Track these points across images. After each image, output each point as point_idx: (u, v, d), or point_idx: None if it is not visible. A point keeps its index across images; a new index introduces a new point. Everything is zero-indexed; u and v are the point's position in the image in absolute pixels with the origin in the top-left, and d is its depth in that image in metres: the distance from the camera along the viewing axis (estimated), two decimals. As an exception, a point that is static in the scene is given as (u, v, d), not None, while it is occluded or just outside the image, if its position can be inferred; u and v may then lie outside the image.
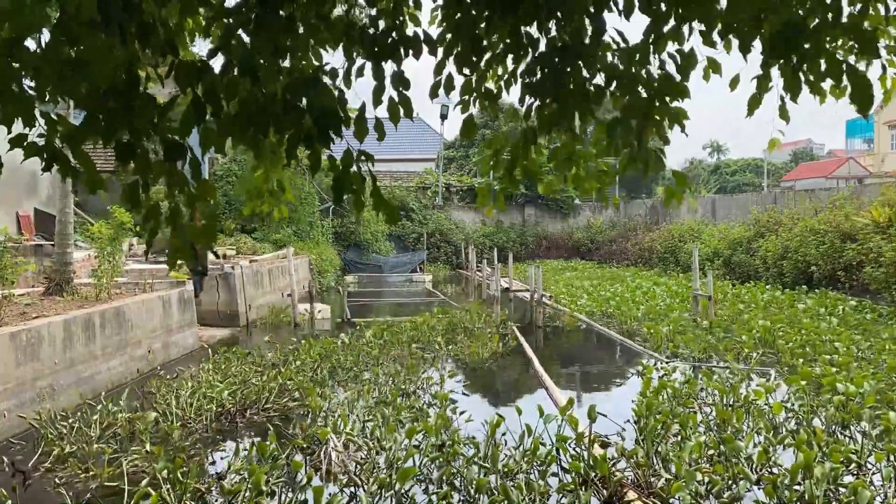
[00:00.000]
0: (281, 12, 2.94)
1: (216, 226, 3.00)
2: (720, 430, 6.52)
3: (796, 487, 4.99)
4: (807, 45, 2.60)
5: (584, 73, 3.19)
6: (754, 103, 3.10)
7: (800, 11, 2.64)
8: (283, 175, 4.00)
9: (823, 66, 2.74)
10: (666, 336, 11.81)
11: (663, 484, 5.24)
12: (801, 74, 2.84)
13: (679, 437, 6.18)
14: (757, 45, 2.89)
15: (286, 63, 3.06)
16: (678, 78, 3.15)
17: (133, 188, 2.76)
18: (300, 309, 15.85)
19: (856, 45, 2.68)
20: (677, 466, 5.19)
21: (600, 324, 14.15)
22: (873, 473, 5.51)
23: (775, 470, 5.52)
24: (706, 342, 11.14)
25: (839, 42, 2.75)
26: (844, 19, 2.75)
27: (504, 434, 6.17)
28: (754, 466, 5.54)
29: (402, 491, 5.19)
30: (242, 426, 7.43)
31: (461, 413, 7.23)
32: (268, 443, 5.76)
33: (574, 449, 5.78)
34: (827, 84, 2.88)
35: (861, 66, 2.75)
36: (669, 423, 6.18)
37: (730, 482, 5.21)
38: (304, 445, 6.24)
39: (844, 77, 2.70)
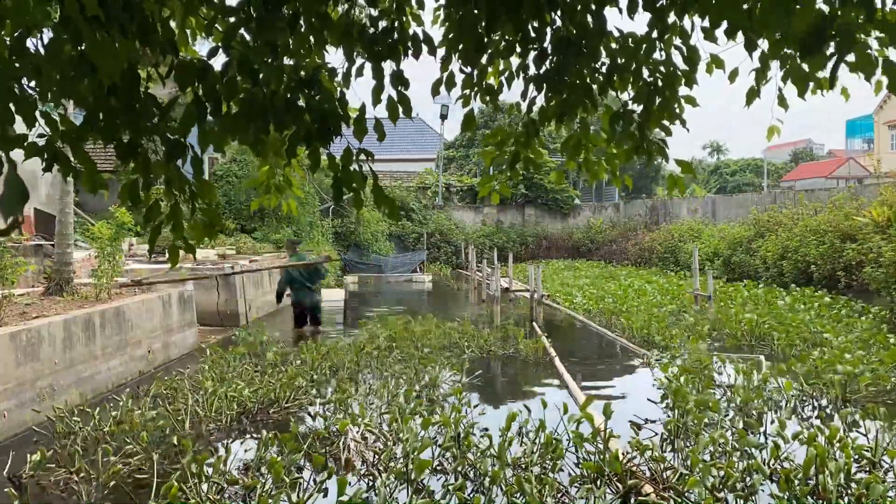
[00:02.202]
0: (283, 11, 2.94)
1: (218, 223, 3.01)
2: (743, 415, 6.80)
3: (809, 481, 5.03)
4: (835, 42, 2.57)
5: (588, 66, 3.21)
6: (752, 95, 3.12)
7: (825, 8, 2.61)
8: (288, 171, 4.02)
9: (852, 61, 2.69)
10: (656, 330, 11.98)
11: (678, 478, 5.29)
12: (809, 70, 2.82)
13: (694, 431, 6.29)
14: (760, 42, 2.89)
15: (288, 62, 3.06)
16: (685, 68, 3.17)
17: (133, 187, 2.77)
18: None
19: (886, 37, 2.64)
20: (693, 461, 5.22)
21: (596, 322, 14.22)
22: (886, 471, 5.54)
23: (786, 464, 5.58)
24: (698, 335, 11.40)
25: (871, 35, 2.71)
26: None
27: (521, 428, 6.32)
28: (769, 460, 5.62)
29: (419, 481, 5.29)
30: (253, 427, 7.39)
31: (475, 406, 7.34)
32: (289, 434, 5.88)
33: (590, 444, 5.84)
34: (823, 79, 2.87)
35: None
36: (698, 416, 6.40)
37: (744, 475, 5.25)
38: (325, 435, 6.36)
39: (879, 71, 2.67)
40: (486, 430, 6.24)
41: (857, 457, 5.63)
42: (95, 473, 5.61)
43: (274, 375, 8.68)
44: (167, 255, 3.09)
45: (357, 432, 6.40)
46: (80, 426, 6.69)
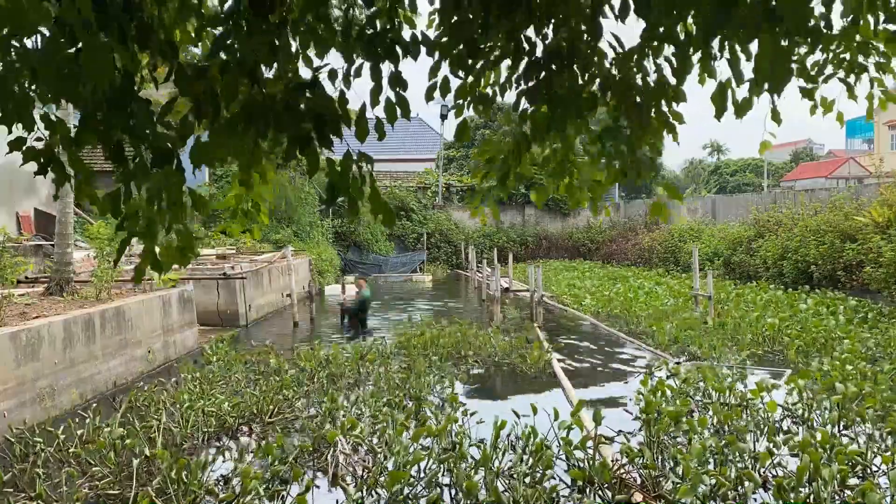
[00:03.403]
0: (270, 17, 2.93)
1: (191, 250, 2.96)
2: (724, 429, 6.55)
3: (803, 489, 4.96)
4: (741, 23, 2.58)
5: (579, 79, 3.18)
6: (746, 106, 3.11)
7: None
8: (264, 191, 3.92)
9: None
10: (671, 335, 11.82)
11: (670, 486, 5.21)
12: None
13: (686, 438, 6.19)
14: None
15: (274, 70, 3.03)
16: (674, 82, 3.14)
17: (115, 197, 2.74)
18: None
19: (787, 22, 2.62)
20: (685, 469, 5.16)
21: (606, 324, 14.15)
22: (880, 476, 5.48)
23: (779, 471, 5.50)
24: (711, 341, 11.16)
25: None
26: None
27: (509, 434, 6.20)
28: (759, 468, 5.52)
29: (407, 494, 5.19)
30: (235, 442, 7.04)
31: (472, 414, 7.11)
32: (274, 445, 5.75)
33: (580, 451, 5.76)
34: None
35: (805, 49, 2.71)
36: (681, 424, 6.24)
37: (736, 484, 5.18)
38: (312, 448, 6.17)
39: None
40: (483, 441, 6.04)
41: (849, 462, 5.52)
42: (58, 498, 5.30)
43: (265, 385, 8.39)
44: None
45: (347, 444, 6.21)
46: (41, 447, 6.20)
